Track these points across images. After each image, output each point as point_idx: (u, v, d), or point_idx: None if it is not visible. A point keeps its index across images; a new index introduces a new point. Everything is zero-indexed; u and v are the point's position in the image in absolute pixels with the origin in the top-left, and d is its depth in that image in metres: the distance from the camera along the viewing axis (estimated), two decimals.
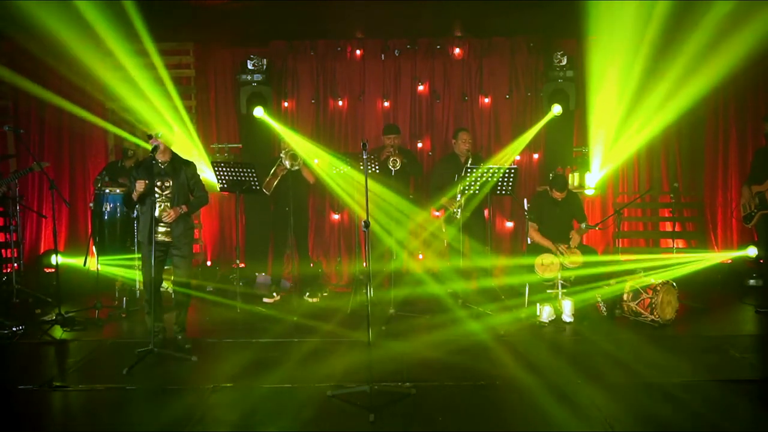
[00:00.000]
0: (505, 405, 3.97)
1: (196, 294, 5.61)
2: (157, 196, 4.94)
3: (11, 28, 6.41)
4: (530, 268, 5.96)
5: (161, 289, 5.29)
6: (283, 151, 6.50)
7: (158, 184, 4.95)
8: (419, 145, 7.71)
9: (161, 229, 4.98)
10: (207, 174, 6.75)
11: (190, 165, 5.15)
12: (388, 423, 3.69)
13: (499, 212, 7.72)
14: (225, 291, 6.66)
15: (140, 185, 4.88)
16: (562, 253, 5.87)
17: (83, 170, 7.90)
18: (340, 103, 7.72)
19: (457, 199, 6.29)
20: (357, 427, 3.64)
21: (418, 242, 7.28)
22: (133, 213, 5.49)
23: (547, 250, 5.95)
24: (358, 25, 7.34)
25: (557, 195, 6.12)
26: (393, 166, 6.52)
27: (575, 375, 4.38)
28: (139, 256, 6.19)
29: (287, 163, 6.42)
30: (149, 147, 5.03)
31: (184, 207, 5.02)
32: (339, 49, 7.65)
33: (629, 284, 5.82)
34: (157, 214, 4.93)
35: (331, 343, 5.17)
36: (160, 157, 5.02)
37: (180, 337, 5.13)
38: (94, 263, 6.40)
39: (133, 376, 4.45)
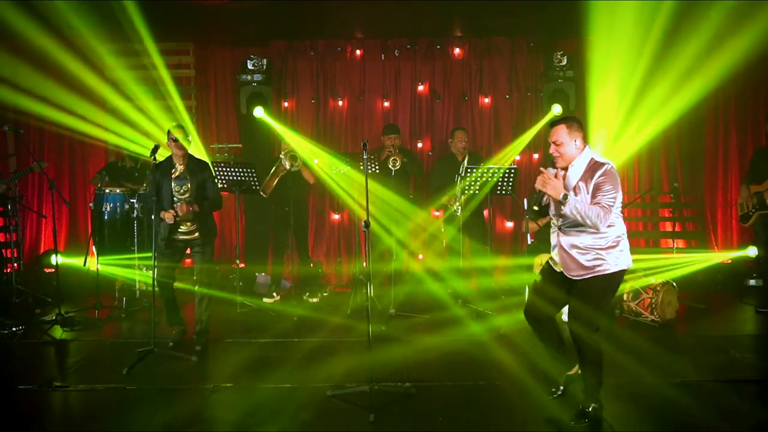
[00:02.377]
0: (505, 405, 3.96)
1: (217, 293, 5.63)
2: (174, 199, 4.97)
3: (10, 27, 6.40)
4: (530, 268, 5.96)
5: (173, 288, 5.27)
6: (283, 152, 6.50)
7: (176, 188, 5.00)
8: (419, 145, 7.71)
9: (182, 229, 5.05)
10: None
11: (205, 166, 5.17)
12: (388, 423, 3.69)
13: (499, 212, 7.72)
14: (225, 291, 6.65)
15: (169, 218, 4.92)
16: None
17: (83, 170, 7.90)
18: (340, 103, 7.72)
19: (458, 197, 6.30)
20: (357, 427, 3.64)
21: (418, 242, 7.28)
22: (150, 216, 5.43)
23: (547, 250, 5.93)
24: (358, 25, 7.35)
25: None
26: (393, 166, 6.53)
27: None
28: (139, 255, 6.24)
29: (287, 164, 6.43)
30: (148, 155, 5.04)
31: (196, 206, 5.02)
32: (339, 49, 7.66)
33: (629, 284, 5.82)
34: (177, 217, 4.99)
35: (331, 343, 5.17)
36: (178, 162, 5.05)
37: (196, 337, 5.14)
38: (94, 263, 6.40)
39: (133, 376, 4.44)
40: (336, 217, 7.78)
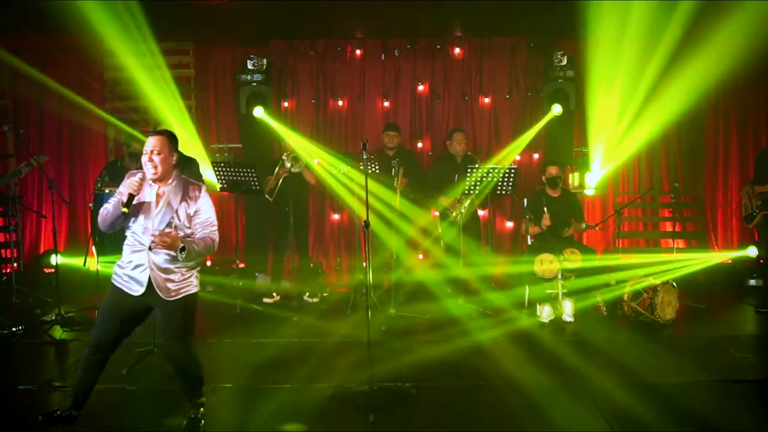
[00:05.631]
0: (505, 405, 3.96)
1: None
2: None
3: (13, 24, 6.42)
4: (530, 268, 5.97)
5: None
6: (284, 154, 6.51)
7: None
8: (419, 145, 7.71)
9: None
10: (208, 174, 6.75)
11: (192, 162, 5.18)
12: (388, 423, 3.69)
13: (499, 212, 7.72)
14: (225, 291, 6.65)
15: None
16: (560, 253, 5.88)
17: (83, 170, 7.90)
18: (340, 103, 7.71)
19: (461, 203, 6.31)
20: (357, 427, 3.64)
21: (418, 242, 7.27)
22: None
23: (547, 250, 5.95)
24: (358, 25, 7.34)
25: (550, 192, 6.38)
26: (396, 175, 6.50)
27: (575, 375, 4.38)
28: None
29: (288, 165, 6.43)
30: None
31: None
32: (339, 49, 7.65)
33: (629, 284, 5.82)
34: None
35: (331, 343, 5.17)
36: None
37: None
38: (94, 263, 6.40)
39: (133, 376, 4.45)
40: (336, 217, 7.78)
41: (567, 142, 7.51)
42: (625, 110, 7.11)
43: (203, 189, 3.55)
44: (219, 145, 7.68)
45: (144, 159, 3.44)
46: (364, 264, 6.28)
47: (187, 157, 5.25)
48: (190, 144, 7.22)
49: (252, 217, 7.56)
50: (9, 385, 4.34)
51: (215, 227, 3.55)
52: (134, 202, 3.41)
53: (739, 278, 7.18)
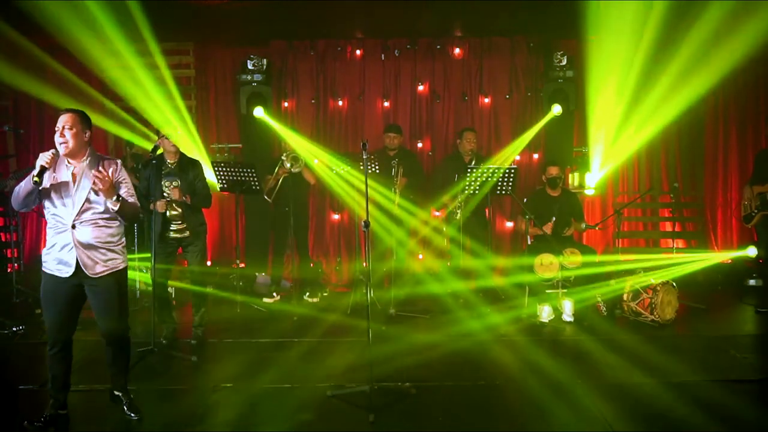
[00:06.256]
0: (505, 405, 3.97)
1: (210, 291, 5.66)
2: (165, 195, 5.00)
3: (13, 26, 6.41)
4: (530, 268, 5.97)
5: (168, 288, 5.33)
6: (284, 154, 6.52)
7: (166, 184, 5.04)
8: (419, 145, 7.71)
9: (173, 227, 5.10)
10: (207, 174, 6.75)
11: (196, 164, 5.22)
12: (388, 423, 3.69)
13: (499, 212, 7.72)
14: (225, 291, 6.65)
15: (161, 206, 4.98)
16: (560, 253, 5.89)
17: None
18: (340, 103, 7.71)
19: (458, 199, 6.31)
20: (357, 427, 3.64)
21: (418, 242, 7.28)
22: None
23: (547, 250, 5.95)
24: (358, 25, 7.34)
25: (550, 191, 6.43)
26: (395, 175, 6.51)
27: (575, 375, 4.38)
28: (140, 256, 6.24)
29: (288, 165, 6.44)
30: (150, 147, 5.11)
31: (188, 196, 5.09)
32: (339, 49, 7.65)
33: (629, 284, 5.82)
34: (168, 214, 5.05)
35: (331, 343, 5.17)
36: (169, 158, 5.09)
37: (199, 332, 5.29)
38: None
39: (133, 376, 4.44)
40: (336, 217, 7.78)
41: (567, 142, 7.51)
42: (625, 110, 7.11)
43: (119, 163, 3.66)
44: (219, 145, 7.68)
45: (56, 135, 3.48)
46: (364, 264, 6.30)
47: (191, 159, 5.26)
48: (190, 144, 7.22)
49: (252, 217, 7.56)
50: (9, 385, 4.34)
51: (135, 195, 3.74)
52: (52, 182, 3.47)
53: (738, 278, 7.19)
